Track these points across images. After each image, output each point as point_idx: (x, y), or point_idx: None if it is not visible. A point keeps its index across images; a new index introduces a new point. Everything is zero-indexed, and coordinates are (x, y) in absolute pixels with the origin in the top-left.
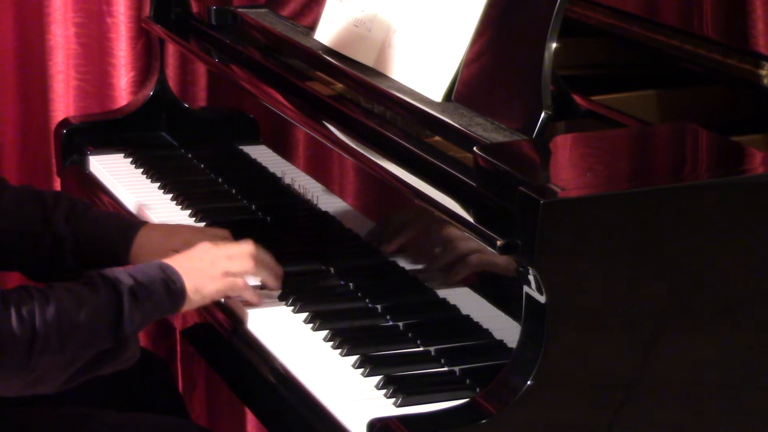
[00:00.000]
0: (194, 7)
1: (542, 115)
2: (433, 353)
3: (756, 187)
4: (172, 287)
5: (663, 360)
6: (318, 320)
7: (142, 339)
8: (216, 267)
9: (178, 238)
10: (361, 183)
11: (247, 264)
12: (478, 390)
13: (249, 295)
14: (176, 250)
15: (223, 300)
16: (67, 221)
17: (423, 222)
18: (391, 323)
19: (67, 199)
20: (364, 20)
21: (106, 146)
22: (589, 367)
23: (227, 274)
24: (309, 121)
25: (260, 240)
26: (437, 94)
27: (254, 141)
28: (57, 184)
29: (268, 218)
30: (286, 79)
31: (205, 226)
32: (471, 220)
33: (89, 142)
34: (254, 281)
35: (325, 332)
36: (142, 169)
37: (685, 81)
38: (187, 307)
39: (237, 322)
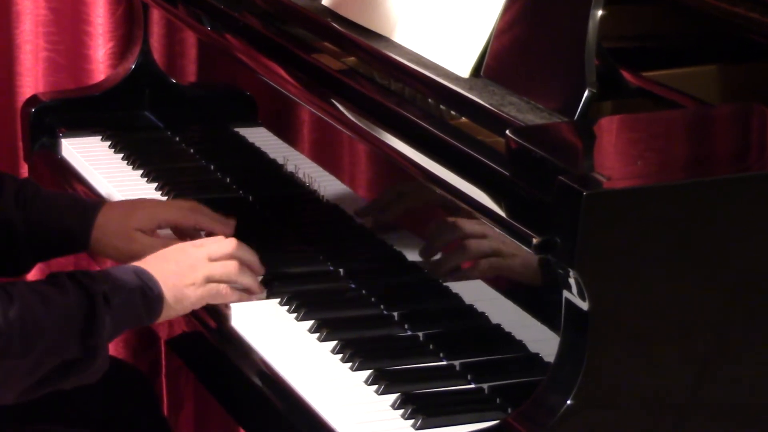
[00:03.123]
0: None
1: (585, 93)
2: (457, 368)
3: None
4: (148, 294)
5: (722, 377)
6: (325, 329)
7: (122, 350)
8: (196, 272)
9: (142, 214)
10: (374, 171)
11: (231, 267)
12: (509, 410)
13: (233, 302)
14: (141, 229)
15: (215, 307)
16: (16, 205)
17: (446, 216)
18: (409, 333)
19: (12, 179)
20: None
21: (81, 127)
22: (638, 385)
23: (209, 279)
24: (315, 100)
25: (258, 237)
26: (464, 68)
27: (252, 122)
28: (24, 171)
29: (268, 211)
30: (289, 51)
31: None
32: (502, 214)
33: (61, 123)
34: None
35: (333, 343)
36: (122, 155)
37: (751, 55)
38: (163, 317)
39: (231, 331)
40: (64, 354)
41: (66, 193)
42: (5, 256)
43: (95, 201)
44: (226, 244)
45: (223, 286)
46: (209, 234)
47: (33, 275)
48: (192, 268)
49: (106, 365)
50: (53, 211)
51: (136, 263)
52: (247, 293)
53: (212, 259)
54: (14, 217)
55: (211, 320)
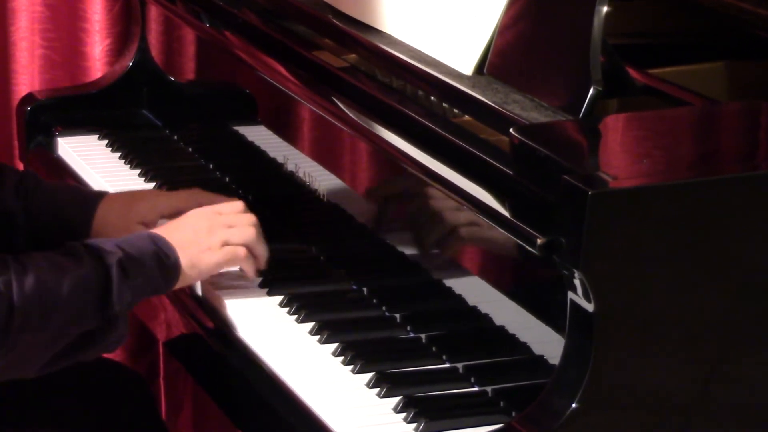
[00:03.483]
0: None
1: (591, 91)
2: (461, 370)
3: None
4: (165, 261)
5: (730, 379)
6: (326, 331)
7: (119, 352)
8: (213, 236)
9: (143, 206)
10: (376, 170)
11: (248, 233)
12: (514, 414)
13: (248, 267)
14: (144, 222)
15: (214, 308)
16: (17, 195)
17: (448, 216)
18: (411, 335)
19: (12, 171)
20: None
21: (78, 126)
22: (644, 388)
23: (225, 243)
24: (315, 97)
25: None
26: (467, 66)
27: (251, 120)
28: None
29: (268, 211)
30: (289, 48)
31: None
32: (506, 214)
33: (57, 122)
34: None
35: (334, 345)
36: (119, 153)
37: (759, 51)
38: (181, 283)
39: (230, 333)
40: (83, 325)
41: (67, 184)
42: (5, 246)
43: (96, 193)
44: (243, 213)
45: (240, 249)
46: None
47: None
48: (209, 232)
49: (126, 335)
50: (54, 202)
51: (153, 230)
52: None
53: (230, 225)
54: (14, 208)
55: (210, 322)
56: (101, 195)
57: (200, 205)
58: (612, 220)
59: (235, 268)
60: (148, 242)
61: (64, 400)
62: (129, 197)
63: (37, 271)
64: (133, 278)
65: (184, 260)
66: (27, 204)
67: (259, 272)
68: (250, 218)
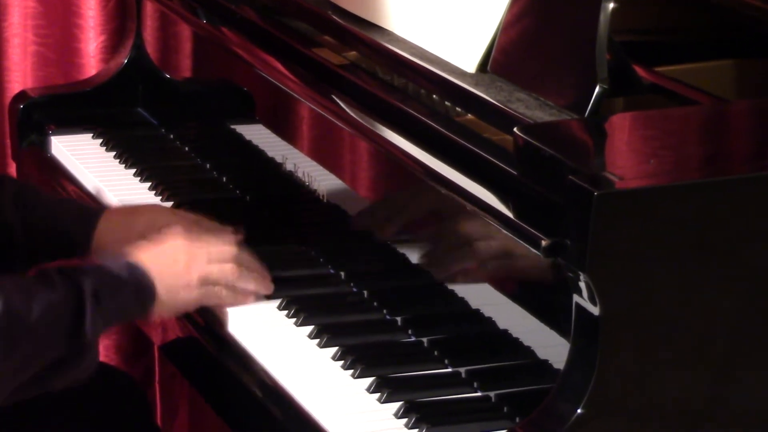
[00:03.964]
0: None
1: (596, 89)
2: (463, 375)
3: None
4: (141, 291)
5: (740, 385)
6: (325, 335)
7: (113, 356)
8: (192, 272)
9: (142, 219)
10: (376, 170)
11: (228, 271)
12: (517, 420)
13: (229, 305)
14: (142, 234)
15: (211, 311)
16: (15, 207)
17: (450, 217)
18: (413, 339)
19: (11, 181)
20: None
21: (72, 124)
22: (651, 393)
23: (205, 281)
24: (315, 95)
25: (256, 239)
26: (470, 63)
27: (249, 119)
28: (12, 170)
29: (266, 212)
30: (288, 45)
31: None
32: (510, 215)
33: (51, 120)
34: None
35: (333, 349)
36: (114, 153)
37: None
38: (156, 314)
39: (227, 336)
40: (51, 353)
41: (67, 199)
42: (1, 260)
43: (97, 207)
44: (227, 248)
45: (218, 289)
46: None
47: None
48: (187, 267)
49: (95, 364)
50: (54, 216)
51: (131, 256)
52: (244, 297)
53: (210, 261)
54: (13, 220)
55: (206, 325)
56: (102, 209)
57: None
58: (618, 221)
59: None
60: (125, 270)
61: (56, 405)
62: (129, 212)
63: (6, 296)
64: (106, 306)
65: (162, 292)
66: (25, 217)
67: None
68: (233, 253)
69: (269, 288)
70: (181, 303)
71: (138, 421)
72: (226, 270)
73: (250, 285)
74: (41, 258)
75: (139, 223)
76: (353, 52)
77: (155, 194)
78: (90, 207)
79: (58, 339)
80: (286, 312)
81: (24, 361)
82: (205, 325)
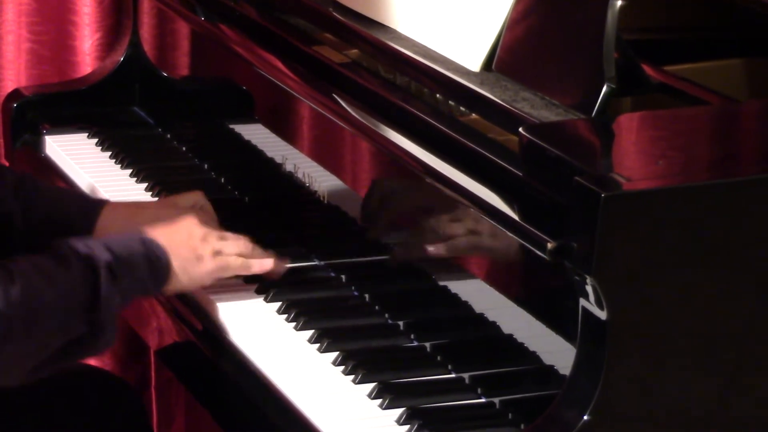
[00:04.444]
0: None
1: (604, 88)
2: (467, 381)
3: None
4: (156, 264)
5: (750, 390)
6: (326, 339)
7: (108, 361)
8: (206, 245)
9: (146, 216)
10: (378, 171)
11: (242, 245)
12: (522, 426)
13: (248, 271)
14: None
15: (208, 314)
16: (16, 196)
17: (454, 219)
18: (415, 344)
19: (11, 172)
20: None
21: (66, 124)
22: (659, 399)
23: (219, 253)
24: (315, 94)
25: (255, 241)
26: (474, 62)
27: (248, 118)
28: None
29: (265, 213)
30: (288, 42)
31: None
32: (515, 217)
33: (45, 119)
34: None
35: (334, 354)
36: (109, 153)
37: None
38: (171, 288)
39: (225, 340)
40: (69, 332)
41: (66, 188)
42: (1, 247)
43: (98, 199)
44: (240, 236)
45: (233, 258)
46: None
47: None
48: (202, 240)
49: (114, 338)
50: (55, 206)
51: (145, 232)
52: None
53: (224, 237)
54: (13, 210)
55: (204, 330)
56: (104, 201)
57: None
58: (626, 223)
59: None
60: (139, 244)
61: (49, 411)
62: (133, 207)
63: (23, 277)
64: (122, 281)
65: (176, 264)
66: (26, 206)
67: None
68: (244, 237)
69: (283, 264)
70: (197, 276)
71: (133, 427)
72: (240, 243)
73: (264, 256)
74: (39, 246)
75: (142, 218)
76: (355, 50)
77: (152, 195)
78: (90, 198)
79: (77, 316)
80: (285, 316)
81: (44, 339)
82: (202, 329)
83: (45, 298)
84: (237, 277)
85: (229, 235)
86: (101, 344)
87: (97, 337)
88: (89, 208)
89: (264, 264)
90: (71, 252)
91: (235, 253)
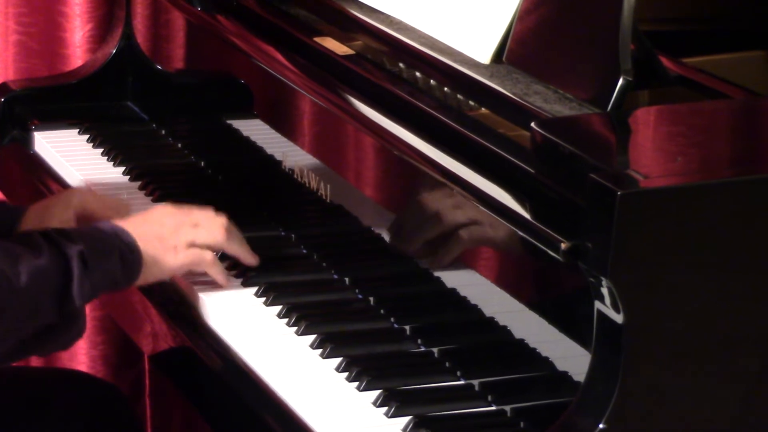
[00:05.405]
0: None
1: (620, 81)
2: (477, 388)
3: None
4: (127, 256)
5: None
6: (328, 345)
7: (100, 367)
8: (179, 235)
9: (56, 209)
10: (383, 168)
11: (218, 234)
12: None
13: (216, 273)
14: (62, 221)
15: (206, 318)
16: None
17: (463, 218)
18: (423, 349)
19: None
20: None
21: (56, 119)
22: (678, 408)
23: (192, 244)
24: (317, 88)
25: (253, 242)
26: (484, 54)
27: (246, 113)
28: None
29: (265, 213)
30: (289, 34)
31: None
32: (527, 216)
33: (34, 114)
34: None
35: (337, 360)
36: (101, 149)
37: None
38: (142, 280)
39: (224, 345)
40: (38, 319)
41: None
42: None
43: (18, 206)
44: (214, 215)
45: (207, 253)
46: None
47: None
48: (175, 231)
49: (83, 331)
50: None
51: (117, 222)
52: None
53: (198, 225)
54: None
55: (200, 333)
56: (24, 208)
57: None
58: (643, 222)
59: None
60: (111, 235)
61: (37, 421)
62: (44, 204)
63: None
64: (93, 272)
65: (147, 256)
66: None
67: (243, 272)
68: (221, 219)
69: (255, 259)
70: (168, 268)
71: None
72: (214, 232)
73: (239, 250)
74: None
75: (52, 213)
76: (358, 42)
77: (146, 194)
78: (11, 207)
79: (47, 304)
80: (286, 320)
81: (11, 326)
82: (199, 333)
83: (13, 282)
84: (235, 276)
85: (202, 220)
86: (72, 334)
87: (68, 327)
88: (10, 215)
89: (242, 259)
90: (42, 238)
91: (210, 241)
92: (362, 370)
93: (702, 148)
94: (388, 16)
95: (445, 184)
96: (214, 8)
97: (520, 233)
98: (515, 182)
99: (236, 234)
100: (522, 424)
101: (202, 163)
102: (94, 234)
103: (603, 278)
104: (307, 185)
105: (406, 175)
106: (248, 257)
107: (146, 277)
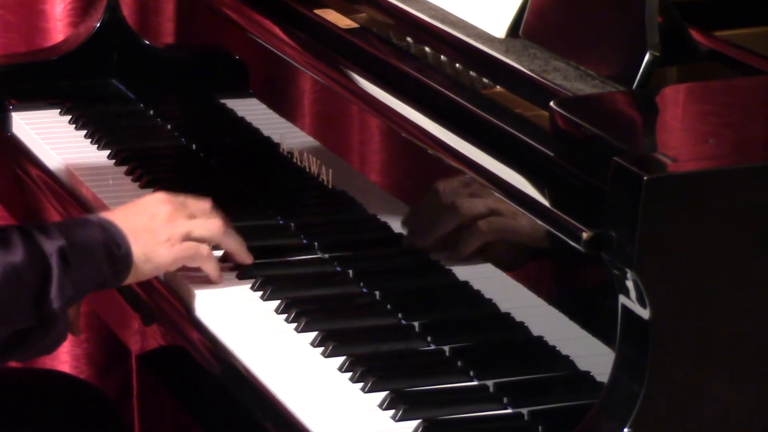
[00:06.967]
0: None
1: (646, 57)
2: (491, 389)
3: None
4: (115, 252)
5: None
6: (331, 343)
7: (84, 367)
8: (173, 227)
9: None
10: (389, 151)
11: (214, 227)
12: None
13: (211, 268)
14: None
15: (198, 313)
16: None
17: (476, 205)
18: (433, 347)
19: None
20: None
21: (36, 98)
22: (709, 410)
23: (187, 237)
24: (318, 65)
25: (250, 232)
26: (499, 27)
27: (241, 92)
28: None
29: (261, 200)
30: (288, 6)
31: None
32: (546, 203)
33: (12, 93)
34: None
35: (340, 359)
36: (85, 131)
37: None
38: (132, 278)
39: (217, 344)
40: (14, 323)
41: None
42: None
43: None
44: (209, 205)
45: (203, 247)
46: None
47: None
48: (168, 223)
49: (66, 335)
50: None
51: (103, 214)
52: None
53: (193, 216)
54: None
55: (194, 331)
56: None
57: None
58: (671, 210)
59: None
60: (96, 228)
61: (18, 426)
62: None
63: None
64: (75, 270)
65: (137, 251)
66: None
67: (238, 264)
68: (217, 212)
69: (250, 258)
70: (161, 263)
71: None
72: (210, 225)
73: (234, 245)
74: None
75: None
76: (363, 14)
77: (132, 179)
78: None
79: (22, 306)
80: (285, 316)
81: None
82: (191, 330)
83: None
84: (230, 268)
85: (198, 211)
86: (53, 339)
87: (47, 331)
88: None
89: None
90: (17, 235)
91: (206, 234)
92: (367, 369)
93: (736, 128)
94: None
95: (457, 169)
96: None
97: (539, 222)
98: (533, 166)
99: (232, 228)
100: (540, 429)
101: (194, 146)
102: (76, 227)
103: (628, 270)
104: (307, 170)
105: (414, 158)
106: (243, 255)
107: (137, 274)
